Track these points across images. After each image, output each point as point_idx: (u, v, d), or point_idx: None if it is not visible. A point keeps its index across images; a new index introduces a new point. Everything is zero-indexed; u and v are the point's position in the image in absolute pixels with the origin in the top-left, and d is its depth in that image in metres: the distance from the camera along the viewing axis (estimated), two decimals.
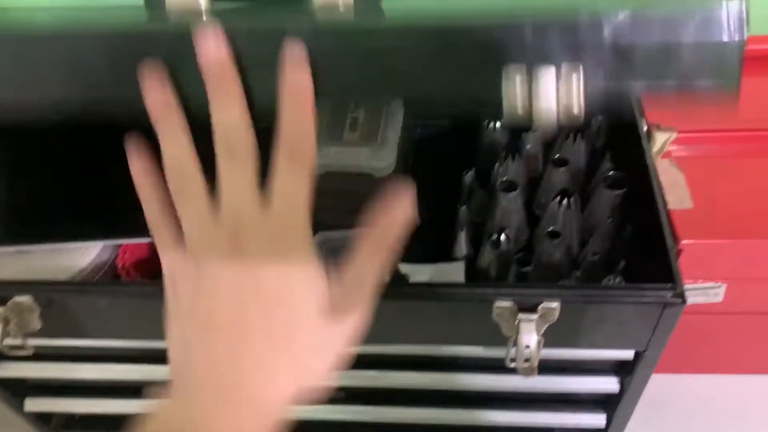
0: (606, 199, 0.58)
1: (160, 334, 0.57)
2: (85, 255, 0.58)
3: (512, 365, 0.51)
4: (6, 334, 0.53)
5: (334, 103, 0.65)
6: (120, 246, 0.60)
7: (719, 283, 0.65)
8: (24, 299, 0.53)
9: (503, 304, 0.50)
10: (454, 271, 0.60)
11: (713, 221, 0.62)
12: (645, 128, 0.61)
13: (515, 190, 0.58)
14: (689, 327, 0.70)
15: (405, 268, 0.61)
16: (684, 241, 0.59)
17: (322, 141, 0.62)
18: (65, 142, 0.67)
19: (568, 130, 0.63)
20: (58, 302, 0.54)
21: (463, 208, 0.61)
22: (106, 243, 0.59)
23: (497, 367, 0.60)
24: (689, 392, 0.77)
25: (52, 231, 0.59)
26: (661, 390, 0.76)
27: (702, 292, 0.66)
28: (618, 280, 0.56)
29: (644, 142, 0.59)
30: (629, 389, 0.59)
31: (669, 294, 0.49)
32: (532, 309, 0.50)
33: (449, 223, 0.63)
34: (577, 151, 0.63)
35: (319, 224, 0.61)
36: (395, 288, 0.52)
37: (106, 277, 0.60)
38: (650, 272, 0.54)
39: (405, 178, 0.62)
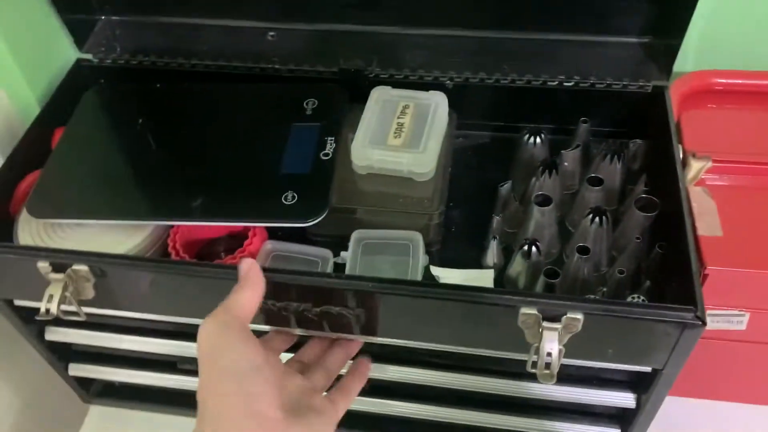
0: (637, 220, 0.60)
1: (198, 312, 0.61)
2: (139, 233, 0.62)
3: (533, 371, 0.54)
4: (63, 300, 0.57)
5: (381, 108, 0.68)
6: (172, 227, 0.63)
7: (743, 311, 0.66)
8: (81, 268, 0.57)
9: (529, 311, 0.52)
10: (483, 278, 0.63)
11: (741, 250, 0.64)
12: (681, 155, 0.63)
13: (549, 204, 0.60)
14: (711, 353, 0.71)
15: (436, 271, 0.63)
16: (710, 267, 0.61)
17: (367, 144, 0.65)
18: (131, 123, 0.72)
19: (606, 150, 0.65)
20: (111, 273, 0.58)
21: (497, 217, 0.64)
22: (159, 223, 0.63)
23: (517, 373, 0.62)
24: (707, 418, 0.78)
25: (111, 208, 0.63)
26: (679, 413, 0.77)
27: (725, 319, 0.67)
28: (642, 299, 0.57)
29: (679, 168, 0.61)
30: (645, 406, 0.61)
31: (689, 315, 0.51)
32: (556, 319, 0.52)
33: (482, 232, 0.66)
34: (613, 172, 0.65)
35: (357, 222, 0.65)
36: (426, 287, 0.54)
37: (156, 254, 0.64)
38: (674, 294, 0.56)
39: (443, 184, 0.65)
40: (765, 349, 0.70)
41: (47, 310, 0.57)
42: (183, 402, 0.75)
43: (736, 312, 0.67)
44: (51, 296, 0.57)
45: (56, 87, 0.74)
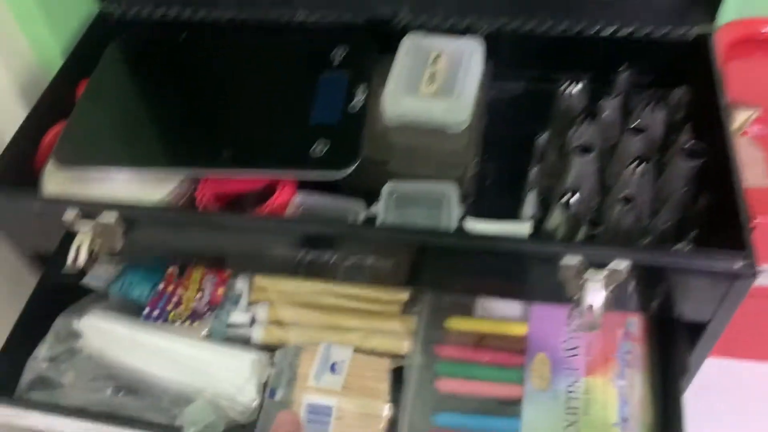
0: (683, 169, 0.57)
1: (224, 265, 0.59)
2: (167, 184, 0.61)
3: (575, 322, 0.52)
4: (92, 251, 0.56)
5: (414, 56, 0.66)
6: (200, 180, 0.62)
7: None
8: (110, 218, 0.55)
9: (571, 261, 0.50)
10: (520, 230, 0.61)
11: None
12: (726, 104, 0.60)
13: (591, 153, 0.58)
14: (751, 311, 0.69)
15: (471, 224, 0.62)
16: (758, 219, 0.58)
17: (399, 92, 0.63)
18: (155, 74, 0.70)
19: (648, 99, 0.62)
20: (139, 223, 0.56)
21: (535, 169, 0.61)
22: (188, 173, 0.62)
23: None
24: (743, 378, 0.76)
25: (138, 157, 0.62)
26: (714, 374, 0.75)
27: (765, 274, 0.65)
28: (688, 248, 0.55)
29: (726, 116, 0.58)
30: (690, 360, 0.59)
31: (741, 264, 0.49)
32: (600, 268, 0.50)
33: (517, 185, 0.64)
34: (654, 122, 0.62)
35: (389, 174, 0.63)
36: (464, 237, 0.53)
37: (185, 206, 0.62)
38: (721, 244, 0.54)
39: (477, 135, 0.63)
40: None
41: (75, 262, 0.56)
42: None
43: None
44: (79, 247, 0.56)
45: (79, 39, 0.72)
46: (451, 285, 0.57)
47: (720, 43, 0.68)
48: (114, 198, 0.58)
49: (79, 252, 0.56)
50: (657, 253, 0.50)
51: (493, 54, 0.68)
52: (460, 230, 0.60)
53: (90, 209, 0.56)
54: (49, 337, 0.61)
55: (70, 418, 0.54)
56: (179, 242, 0.58)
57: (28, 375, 0.59)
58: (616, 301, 0.52)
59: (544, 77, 0.71)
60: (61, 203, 0.57)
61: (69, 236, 0.56)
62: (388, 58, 0.66)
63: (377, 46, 0.69)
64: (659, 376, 0.57)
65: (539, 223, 0.61)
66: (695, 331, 0.56)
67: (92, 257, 0.57)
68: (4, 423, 0.55)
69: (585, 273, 0.50)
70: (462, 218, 0.62)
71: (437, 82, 0.63)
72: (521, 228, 0.61)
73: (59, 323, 0.62)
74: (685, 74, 0.66)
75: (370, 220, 0.62)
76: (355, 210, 0.62)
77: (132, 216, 0.56)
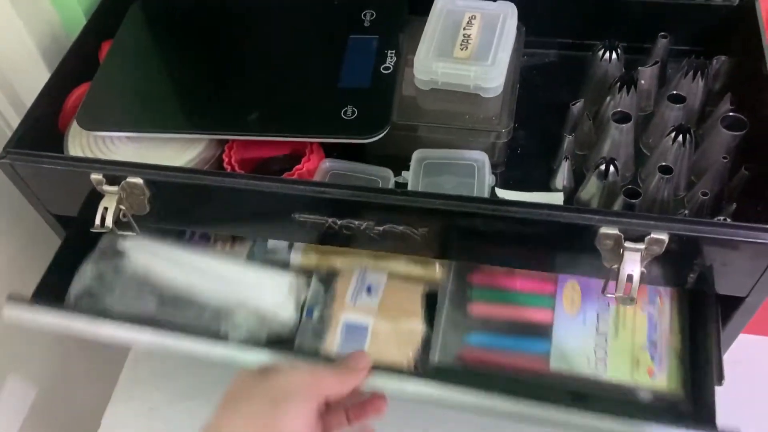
0: (723, 139, 0.56)
1: (255, 231, 0.58)
2: (193, 148, 0.60)
3: (610, 295, 0.51)
4: (119, 213, 0.55)
5: (446, 19, 0.64)
6: (227, 143, 0.61)
7: None
8: (136, 180, 0.54)
9: (610, 231, 0.49)
10: (552, 200, 0.60)
11: None
12: None
13: (629, 122, 0.56)
14: None
15: (503, 193, 0.60)
16: None
17: (431, 56, 0.61)
18: (180, 37, 0.69)
19: (687, 67, 0.60)
20: (165, 187, 0.55)
21: (569, 137, 0.60)
22: (214, 137, 0.60)
23: None
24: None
25: (165, 121, 0.61)
26: (739, 349, 0.74)
27: None
28: (728, 221, 0.54)
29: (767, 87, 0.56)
30: (722, 335, 0.58)
31: None
32: (640, 239, 0.49)
33: (550, 154, 0.62)
34: (694, 90, 0.60)
35: (419, 141, 0.62)
36: (499, 204, 0.51)
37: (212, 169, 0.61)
38: (762, 217, 0.52)
39: (511, 101, 0.62)
40: None
41: (102, 222, 0.55)
42: None
43: None
44: (106, 209, 0.55)
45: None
46: (482, 256, 0.56)
47: (762, 10, 0.65)
48: (144, 159, 0.57)
49: (105, 215, 0.55)
50: (697, 225, 0.48)
51: (526, 19, 0.66)
52: (493, 197, 0.59)
53: (115, 172, 0.55)
54: (95, 254, 0.62)
55: (118, 323, 0.54)
56: (206, 207, 0.57)
57: (75, 287, 0.60)
58: (652, 274, 0.51)
59: (578, 44, 0.69)
60: (85, 166, 0.55)
61: (95, 198, 0.55)
62: (420, 20, 0.64)
63: (408, 7, 0.67)
64: (688, 303, 0.57)
65: (572, 193, 0.60)
66: (731, 305, 0.55)
67: (119, 220, 0.56)
68: (55, 329, 0.55)
69: (623, 244, 0.49)
70: (493, 187, 0.61)
71: (471, 46, 0.61)
72: (554, 198, 0.60)
73: (104, 242, 0.63)
74: (725, 42, 0.64)
75: (399, 187, 0.61)
76: (385, 177, 0.61)
77: (157, 179, 0.55)
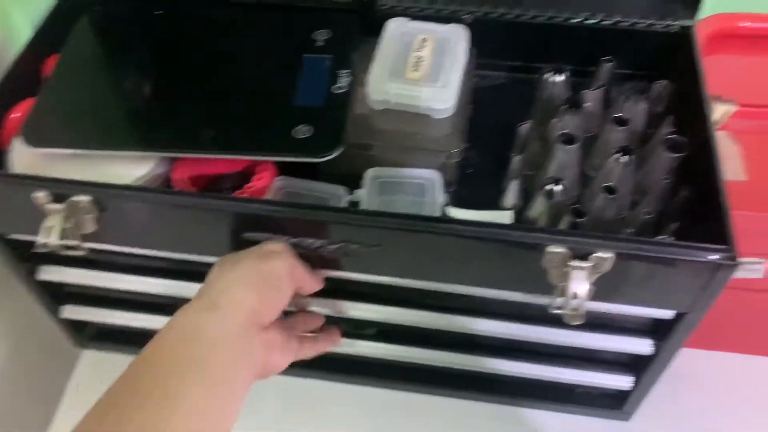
0: (664, 161, 0.58)
1: (204, 249, 0.58)
2: (142, 165, 0.59)
3: (557, 312, 0.52)
4: (62, 234, 0.54)
5: (399, 41, 0.65)
6: (177, 160, 0.60)
7: (761, 259, 0.65)
8: (82, 199, 0.53)
9: (556, 249, 0.50)
10: (502, 219, 0.61)
11: (764, 195, 0.62)
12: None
13: (575, 143, 0.58)
14: (726, 302, 0.70)
15: (454, 212, 0.61)
16: (735, 212, 0.59)
17: (384, 77, 0.62)
18: (130, 50, 0.68)
19: (630, 91, 0.63)
20: (113, 205, 0.54)
21: (517, 157, 0.61)
22: (164, 155, 0.59)
23: (529, 317, 0.61)
24: (717, 370, 0.77)
25: (114, 138, 0.59)
26: (689, 365, 0.76)
27: (743, 267, 0.66)
28: (670, 240, 0.56)
29: (708, 109, 0.59)
30: (662, 352, 0.60)
31: (723, 256, 0.50)
32: (585, 258, 0.50)
33: (500, 173, 0.64)
34: (636, 113, 0.63)
35: (372, 160, 0.62)
36: (450, 223, 0.52)
37: (161, 187, 0.60)
38: (702, 236, 0.54)
39: (462, 122, 0.63)
40: None
41: (45, 243, 0.54)
42: None
43: (754, 260, 0.66)
44: (50, 228, 0.54)
45: (49, 11, 0.69)
46: (434, 274, 0.56)
47: (698, 37, 0.68)
48: (86, 178, 0.56)
49: (49, 235, 0.53)
50: (641, 244, 0.50)
51: (477, 42, 0.67)
52: (444, 216, 0.60)
53: (61, 190, 0.53)
54: None
55: None
56: (156, 226, 0.56)
57: None
58: (598, 291, 0.53)
59: (527, 66, 0.71)
60: (29, 183, 0.54)
61: (38, 218, 0.54)
62: (373, 40, 0.65)
63: (361, 28, 0.67)
64: None
65: (521, 212, 0.61)
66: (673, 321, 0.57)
67: (64, 239, 0.54)
68: None
69: (569, 262, 0.50)
70: (445, 206, 0.61)
71: (423, 68, 0.62)
72: (503, 217, 0.61)
73: None
74: (666, 67, 0.67)
75: (353, 206, 0.61)
76: (338, 195, 0.61)
77: (105, 197, 0.53)
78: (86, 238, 0.56)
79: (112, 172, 0.58)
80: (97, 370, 0.77)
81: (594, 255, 0.50)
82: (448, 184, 0.63)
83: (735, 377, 0.77)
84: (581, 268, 0.50)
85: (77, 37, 0.67)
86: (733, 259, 0.50)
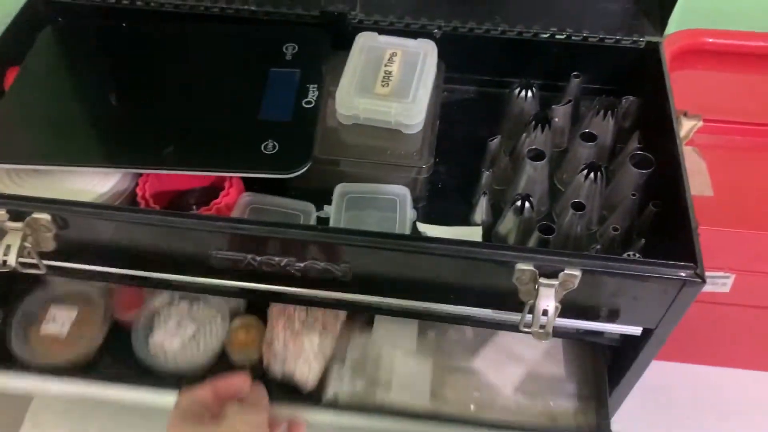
0: (631, 177, 0.58)
1: (167, 268, 0.57)
2: (105, 181, 0.57)
3: (526, 330, 0.52)
4: (21, 252, 0.52)
5: (367, 55, 0.64)
6: (141, 175, 0.59)
7: (728, 273, 0.66)
8: (42, 216, 0.52)
9: (525, 267, 0.50)
10: (472, 235, 0.60)
11: (730, 211, 0.63)
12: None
13: (543, 159, 0.58)
14: (694, 316, 0.71)
15: (424, 227, 0.61)
16: (701, 227, 0.59)
17: (353, 92, 0.61)
18: (93, 64, 0.66)
19: (599, 106, 0.63)
20: (74, 223, 0.53)
21: (487, 173, 0.61)
22: (127, 171, 0.58)
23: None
24: (689, 382, 0.78)
25: (75, 154, 0.58)
26: (661, 377, 0.76)
27: (711, 281, 0.66)
28: (637, 256, 0.56)
29: (675, 125, 0.59)
30: (632, 367, 0.60)
31: (689, 272, 0.50)
32: (553, 275, 0.50)
33: (470, 188, 0.63)
34: (605, 129, 0.63)
35: (341, 175, 0.61)
36: (419, 241, 0.52)
37: (124, 204, 0.59)
38: (669, 252, 0.54)
39: (431, 137, 0.62)
40: (748, 312, 0.70)
41: (4, 262, 0.52)
42: None
43: (721, 274, 0.67)
44: (8, 247, 0.52)
45: (9, 23, 0.67)
46: (403, 292, 0.56)
47: (665, 53, 0.69)
48: (47, 195, 0.54)
49: (8, 253, 0.52)
50: (608, 261, 0.50)
51: (446, 56, 0.67)
52: (414, 234, 0.60)
53: (20, 207, 0.52)
54: None
55: None
56: (119, 244, 0.55)
57: None
58: (567, 309, 0.52)
59: (496, 81, 0.71)
60: None
61: None
62: (342, 54, 0.65)
63: (330, 41, 0.67)
64: None
65: (491, 227, 0.61)
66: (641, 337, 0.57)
67: (22, 257, 0.53)
68: None
69: (538, 279, 0.50)
70: (414, 222, 0.61)
71: (392, 83, 0.62)
72: (473, 233, 0.61)
73: None
74: (634, 82, 0.67)
75: (321, 222, 0.60)
76: (307, 211, 0.60)
77: (66, 215, 0.52)
78: (45, 256, 0.55)
79: (74, 189, 0.57)
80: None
81: (562, 272, 0.50)
82: (417, 200, 0.62)
83: (705, 389, 0.77)
84: (549, 286, 0.50)
85: (39, 49, 0.66)
86: (699, 276, 0.50)
